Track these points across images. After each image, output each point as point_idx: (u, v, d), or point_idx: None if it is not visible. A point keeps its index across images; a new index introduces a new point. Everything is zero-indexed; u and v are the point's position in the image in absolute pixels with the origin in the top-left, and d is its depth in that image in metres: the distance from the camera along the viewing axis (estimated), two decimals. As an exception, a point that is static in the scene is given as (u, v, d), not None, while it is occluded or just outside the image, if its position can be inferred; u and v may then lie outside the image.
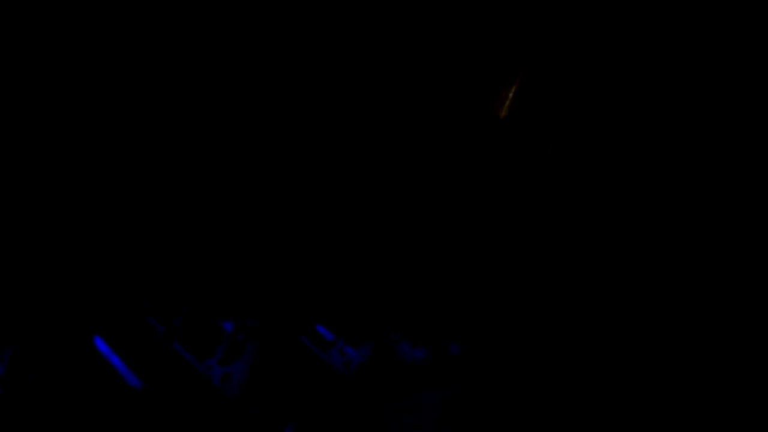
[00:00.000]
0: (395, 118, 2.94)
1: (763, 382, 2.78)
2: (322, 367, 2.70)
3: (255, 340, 2.47)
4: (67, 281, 2.53)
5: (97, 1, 2.33)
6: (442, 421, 2.60)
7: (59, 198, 2.51)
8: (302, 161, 2.86)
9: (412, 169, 3.00)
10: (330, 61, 2.75)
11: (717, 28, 2.87)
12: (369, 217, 2.98)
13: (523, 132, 3.17)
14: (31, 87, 2.33)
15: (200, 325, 2.72)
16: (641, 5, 3.07)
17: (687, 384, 2.84)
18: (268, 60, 2.64)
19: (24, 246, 2.46)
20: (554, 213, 3.15)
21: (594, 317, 3.05)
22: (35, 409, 2.14)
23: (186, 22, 2.46)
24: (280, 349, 2.53)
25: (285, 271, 2.81)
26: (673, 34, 3.02)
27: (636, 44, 3.11)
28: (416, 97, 2.97)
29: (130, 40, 2.42)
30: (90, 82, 2.42)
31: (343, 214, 2.94)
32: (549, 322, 3.07)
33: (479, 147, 3.07)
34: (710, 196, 2.95)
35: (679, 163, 3.02)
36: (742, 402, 2.79)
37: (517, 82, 3.22)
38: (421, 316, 2.97)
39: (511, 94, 3.20)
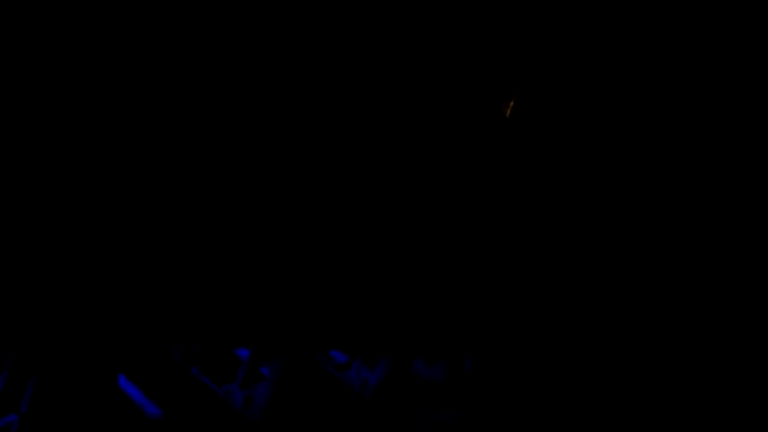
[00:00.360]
0: (413, 124, 2.98)
1: (763, 382, 2.86)
2: (340, 388, 2.70)
3: (276, 362, 2.46)
4: (81, 307, 2.48)
5: (98, 1, 2.32)
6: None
7: (73, 220, 2.48)
8: (315, 181, 2.87)
9: (425, 175, 3.04)
10: (352, 68, 2.79)
11: (712, 42, 2.99)
12: (380, 233, 3.01)
13: (525, 129, 3.25)
14: (31, 87, 2.30)
15: (217, 350, 2.69)
16: (639, 20, 3.19)
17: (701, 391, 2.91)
18: (284, 64, 2.67)
19: (32, 269, 2.41)
20: (559, 213, 3.22)
21: (607, 327, 3.11)
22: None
23: (186, 22, 2.47)
24: (299, 371, 2.52)
25: (299, 293, 2.81)
26: (669, 43, 3.14)
27: (633, 55, 3.22)
28: (434, 99, 3.03)
29: (131, 41, 2.41)
30: (90, 83, 2.40)
31: (355, 233, 2.96)
32: (560, 332, 3.12)
33: (487, 143, 3.13)
34: (708, 198, 3.05)
35: (676, 165, 3.13)
36: (742, 402, 2.86)
37: (518, 88, 3.31)
38: (434, 333, 2.99)
39: (514, 97, 3.28)
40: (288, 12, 2.58)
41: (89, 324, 2.35)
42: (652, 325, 3.09)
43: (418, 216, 3.08)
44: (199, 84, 2.57)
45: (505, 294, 3.19)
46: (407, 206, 3.07)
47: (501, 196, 3.22)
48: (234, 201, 2.72)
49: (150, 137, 2.52)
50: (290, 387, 2.50)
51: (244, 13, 2.54)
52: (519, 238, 3.25)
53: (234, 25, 2.53)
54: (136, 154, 2.47)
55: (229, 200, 2.70)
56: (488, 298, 3.16)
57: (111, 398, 2.30)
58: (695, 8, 3.08)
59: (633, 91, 3.23)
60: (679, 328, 3.05)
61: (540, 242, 3.26)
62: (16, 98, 2.30)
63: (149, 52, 2.43)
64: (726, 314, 2.97)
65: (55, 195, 2.35)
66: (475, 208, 3.20)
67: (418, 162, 3.06)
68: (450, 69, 3.15)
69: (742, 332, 2.93)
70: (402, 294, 3.02)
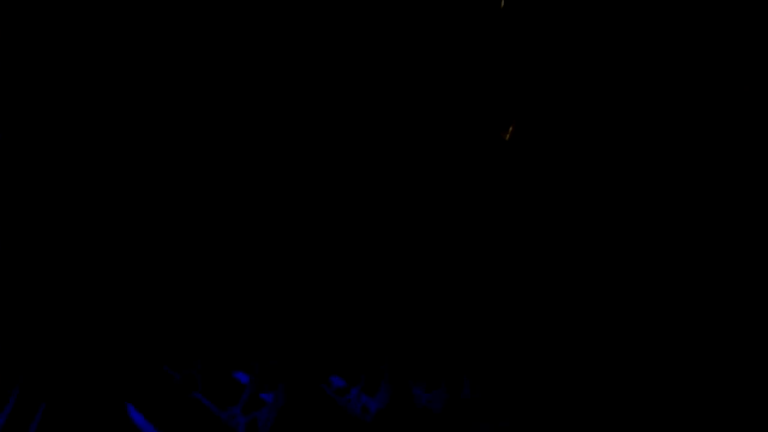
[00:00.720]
0: (420, 149, 3.02)
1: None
2: (341, 413, 2.71)
3: (278, 388, 2.47)
4: (84, 329, 2.48)
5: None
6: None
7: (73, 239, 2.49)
8: (320, 205, 2.90)
9: (426, 194, 3.08)
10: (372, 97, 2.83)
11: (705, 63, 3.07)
12: (381, 258, 3.03)
13: (524, 151, 3.31)
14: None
15: (219, 374, 2.69)
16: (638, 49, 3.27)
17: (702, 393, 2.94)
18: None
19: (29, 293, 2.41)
20: (559, 233, 3.26)
21: (617, 351, 3.14)
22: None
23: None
24: (301, 397, 2.53)
25: (301, 318, 2.82)
26: (670, 67, 3.22)
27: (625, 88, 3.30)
28: (441, 126, 3.07)
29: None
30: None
31: (355, 258, 2.98)
32: (565, 355, 3.15)
33: (487, 163, 3.18)
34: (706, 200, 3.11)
35: (674, 190, 3.19)
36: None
37: (515, 118, 3.38)
38: (434, 358, 3.02)
39: (513, 124, 3.35)
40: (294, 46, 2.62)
41: (94, 346, 2.35)
42: (662, 346, 3.13)
43: (420, 239, 3.12)
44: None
45: (507, 316, 3.22)
46: (409, 229, 3.10)
47: (501, 215, 3.26)
48: (240, 221, 2.74)
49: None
50: (293, 412, 2.51)
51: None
52: (519, 258, 3.29)
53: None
54: (135, 161, 2.49)
55: (235, 220, 2.72)
56: (490, 321, 3.19)
57: (118, 426, 2.29)
58: (694, 35, 3.16)
59: (630, 112, 3.30)
60: (691, 347, 3.09)
61: (540, 263, 3.30)
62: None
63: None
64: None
65: (56, 204, 2.36)
66: (475, 229, 3.24)
67: (420, 183, 3.10)
68: (455, 97, 3.20)
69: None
70: (401, 317, 3.04)
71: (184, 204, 2.68)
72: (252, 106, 2.70)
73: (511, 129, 3.47)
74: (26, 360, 2.10)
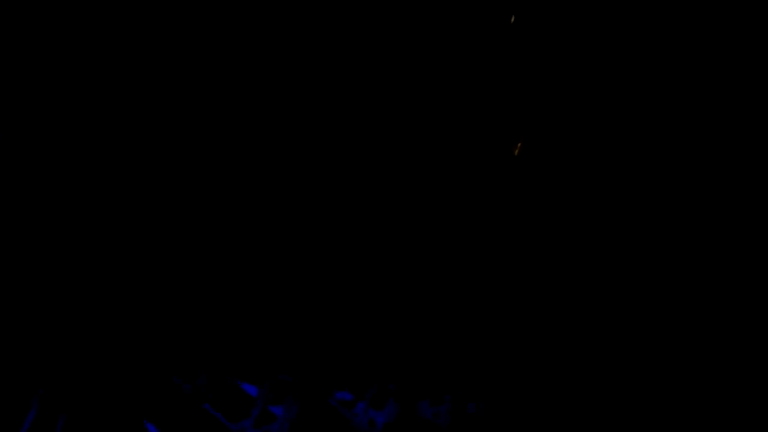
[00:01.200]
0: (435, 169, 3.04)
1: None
2: (348, 427, 2.72)
3: (289, 401, 2.48)
4: (98, 337, 2.48)
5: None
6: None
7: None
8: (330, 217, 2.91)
9: (434, 207, 3.10)
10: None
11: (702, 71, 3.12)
12: (389, 271, 3.05)
13: (532, 165, 3.34)
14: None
15: (228, 385, 2.70)
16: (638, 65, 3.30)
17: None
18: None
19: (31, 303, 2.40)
20: (568, 245, 3.29)
21: (627, 363, 3.18)
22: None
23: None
24: (312, 411, 2.55)
25: (311, 331, 2.83)
26: (677, 83, 3.26)
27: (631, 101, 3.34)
28: (454, 145, 3.10)
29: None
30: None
31: (365, 269, 3.00)
32: (575, 369, 3.18)
33: (497, 178, 3.21)
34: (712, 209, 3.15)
35: (681, 200, 3.23)
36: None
37: (523, 135, 3.41)
38: (440, 372, 3.04)
39: (521, 140, 3.39)
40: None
41: (106, 356, 2.35)
42: (670, 358, 3.17)
43: (427, 254, 3.14)
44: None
45: (515, 331, 3.25)
46: (417, 244, 3.12)
47: (510, 228, 3.29)
48: (252, 234, 2.74)
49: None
50: (304, 426, 2.52)
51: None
52: (528, 273, 3.32)
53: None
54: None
55: (247, 232, 2.73)
56: (497, 335, 3.21)
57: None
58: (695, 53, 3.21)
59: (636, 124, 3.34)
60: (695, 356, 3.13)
61: (550, 278, 3.33)
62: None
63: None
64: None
65: (62, 209, 2.36)
66: (483, 244, 3.27)
67: (429, 196, 3.12)
68: (467, 113, 3.23)
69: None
70: (409, 330, 3.06)
71: (194, 211, 2.68)
72: (265, 106, 2.70)
73: (519, 144, 3.50)
74: (44, 372, 2.09)
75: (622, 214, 3.30)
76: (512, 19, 3.48)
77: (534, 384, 3.14)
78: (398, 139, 3.10)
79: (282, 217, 2.87)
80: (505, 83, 3.38)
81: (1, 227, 2.39)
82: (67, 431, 1.95)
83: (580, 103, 3.43)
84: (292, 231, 2.89)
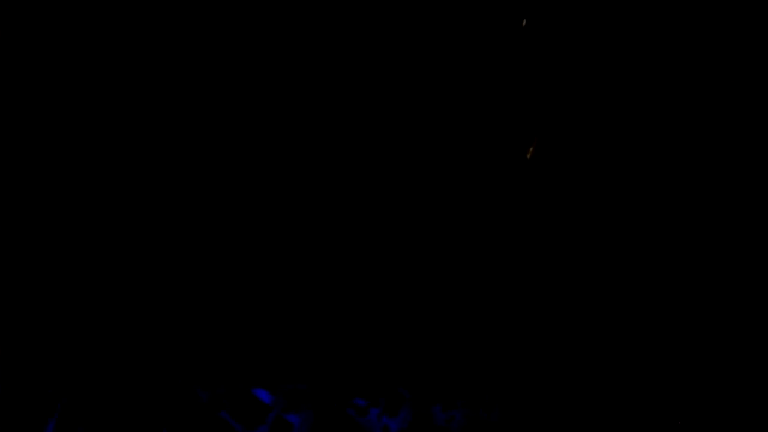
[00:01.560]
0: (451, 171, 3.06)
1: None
2: (363, 434, 2.77)
3: (306, 410, 2.53)
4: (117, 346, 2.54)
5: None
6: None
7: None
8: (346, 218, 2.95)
9: (448, 210, 3.12)
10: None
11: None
12: (404, 276, 3.08)
13: (544, 168, 3.34)
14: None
15: (245, 393, 2.76)
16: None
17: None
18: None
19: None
20: (582, 249, 3.30)
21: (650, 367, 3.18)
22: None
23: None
24: (329, 420, 2.59)
25: (328, 339, 2.88)
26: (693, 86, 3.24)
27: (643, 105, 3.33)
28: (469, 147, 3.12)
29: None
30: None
31: (379, 276, 3.03)
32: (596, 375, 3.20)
33: (510, 181, 3.23)
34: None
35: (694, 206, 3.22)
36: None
37: (536, 139, 3.41)
38: (453, 378, 3.07)
39: (533, 144, 3.39)
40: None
41: (124, 366, 2.41)
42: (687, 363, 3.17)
43: (440, 261, 3.16)
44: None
45: (528, 337, 3.26)
46: (430, 251, 3.15)
47: (524, 233, 3.30)
48: (262, 235, 2.79)
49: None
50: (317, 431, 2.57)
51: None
52: (541, 279, 3.33)
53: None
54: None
55: (256, 233, 2.77)
56: (511, 342, 3.23)
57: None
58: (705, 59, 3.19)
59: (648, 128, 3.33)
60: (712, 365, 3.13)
61: (563, 284, 3.34)
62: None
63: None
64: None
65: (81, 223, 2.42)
66: (497, 250, 3.28)
67: (443, 200, 3.14)
68: (480, 120, 3.24)
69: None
70: (421, 336, 3.09)
71: (216, 224, 2.73)
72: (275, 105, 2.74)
73: (532, 148, 3.50)
74: (64, 384, 2.15)
75: (635, 216, 3.30)
76: (524, 23, 3.49)
77: (547, 389, 3.16)
78: (412, 142, 3.13)
79: (299, 227, 2.92)
80: (518, 87, 3.38)
81: (19, 240, 2.46)
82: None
83: (592, 106, 3.42)
84: (306, 242, 2.93)
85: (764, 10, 3.04)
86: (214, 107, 2.65)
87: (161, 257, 2.76)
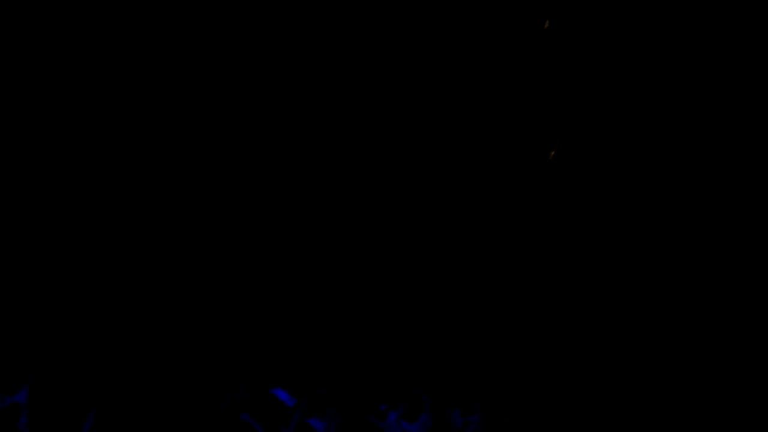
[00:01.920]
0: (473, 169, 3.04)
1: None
2: (383, 438, 2.75)
3: (329, 415, 2.51)
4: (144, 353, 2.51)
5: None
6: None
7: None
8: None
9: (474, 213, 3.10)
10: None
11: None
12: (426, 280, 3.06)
13: (567, 169, 3.33)
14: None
15: (266, 395, 2.73)
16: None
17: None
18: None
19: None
20: (604, 250, 3.28)
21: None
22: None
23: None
24: (352, 425, 2.57)
25: (344, 341, 2.85)
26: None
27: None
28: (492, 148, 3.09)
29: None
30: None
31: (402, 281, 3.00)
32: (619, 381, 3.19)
33: (534, 180, 3.21)
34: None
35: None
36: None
37: (559, 139, 3.39)
38: (471, 381, 3.06)
39: (556, 145, 3.37)
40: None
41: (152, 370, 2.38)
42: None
43: (460, 267, 3.14)
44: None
45: (547, 339, 3.25)
46: (451, 257, 3.12)
47: (548, 238, 3.28)
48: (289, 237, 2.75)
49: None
50: (339, 439, 2.55)
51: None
52: (563, 285, 3.32)
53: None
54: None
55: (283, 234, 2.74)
56: (529, 343, 3.22)
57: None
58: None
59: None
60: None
61: (586, 290, 3.33)
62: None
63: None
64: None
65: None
66: (520, 255, 3.26)
67: (466, 201, 3.11)
68: (499, 114, 3.21)
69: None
70: (440, 340, 3.07)
71: (239, 231, 2.69)
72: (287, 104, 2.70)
73: (555, 149, 3.48)
74: (95, 392, 2.12)
75: (659, 218, 3.29)
76: (546, 24, 3.45)
77: (565, 394, 3.15)
78: (434, 142, 3.10)
79: (323, 231, 2.88)
80: (541, 88, 3.35)
81: (46, 251, 2.41)
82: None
83: (614, 107, 3.40)
84: (329, 246, 2.90)
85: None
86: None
87: (182, 259, 2.72)
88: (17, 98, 2.26)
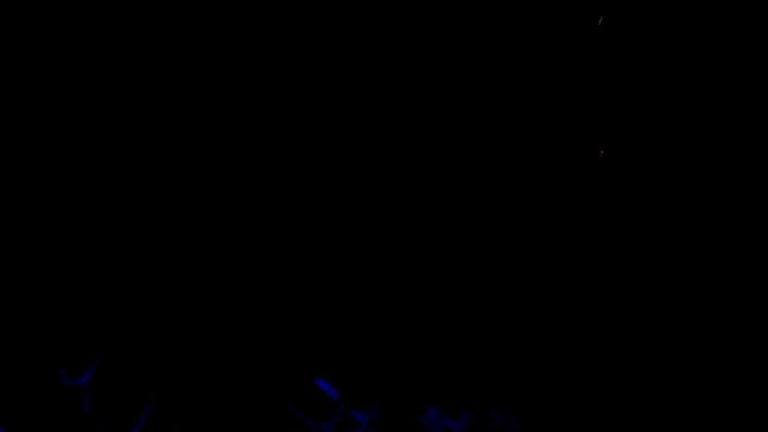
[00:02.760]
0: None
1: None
2: (423, 434, 2.77)
3: (373, 409, 2.53)
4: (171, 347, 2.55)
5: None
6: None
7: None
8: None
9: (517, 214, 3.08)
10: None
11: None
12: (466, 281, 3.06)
13: (616, 165, 3.30)
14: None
15: (311, 384, 2.76)
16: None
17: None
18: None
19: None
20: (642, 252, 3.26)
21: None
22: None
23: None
24: (395, 420, 2.59)
25: (385, 337, 2.87)
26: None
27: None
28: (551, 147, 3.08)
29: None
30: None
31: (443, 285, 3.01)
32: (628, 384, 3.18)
33: (584, 178, 3.19)
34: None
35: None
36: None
37: (609, 137, 3.36)
38: (510, 382, 3.06)
39: (606, 143, 3.34)
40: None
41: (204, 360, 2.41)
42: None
43: (497, 266, 3.13)
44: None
45: (588, 339, 3.24)
46: (489, 258, 3.11)
47: (586, 239, 3.26)
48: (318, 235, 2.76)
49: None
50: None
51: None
52: (603, 286, 3.29)
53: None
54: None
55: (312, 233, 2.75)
56: (571, 345, 3.21)
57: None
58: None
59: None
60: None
61: (628, 291, 3.30)
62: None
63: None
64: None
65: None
66: (556, 255, 3.24)
67: (513, 199, 3.10)
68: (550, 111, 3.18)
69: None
70: (477, 340, 3.08)
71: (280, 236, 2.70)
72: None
73: (605, 147, 3.44)
74: (154, 379, 2.16)
75: (717, 217, 3.24)
76: (600, 21, 3.40)
77: (606, 394, 3.15)
78: (487, 139, 3.08)
79: (376, 235, 2.89)
80: (593, 85, 3.31)
81: (89, 254, 2.44)
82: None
83: (668, 104, 3.34)
84: (372, 247, 2.91)
85: None
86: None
87: (244, 259, 2.74)
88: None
